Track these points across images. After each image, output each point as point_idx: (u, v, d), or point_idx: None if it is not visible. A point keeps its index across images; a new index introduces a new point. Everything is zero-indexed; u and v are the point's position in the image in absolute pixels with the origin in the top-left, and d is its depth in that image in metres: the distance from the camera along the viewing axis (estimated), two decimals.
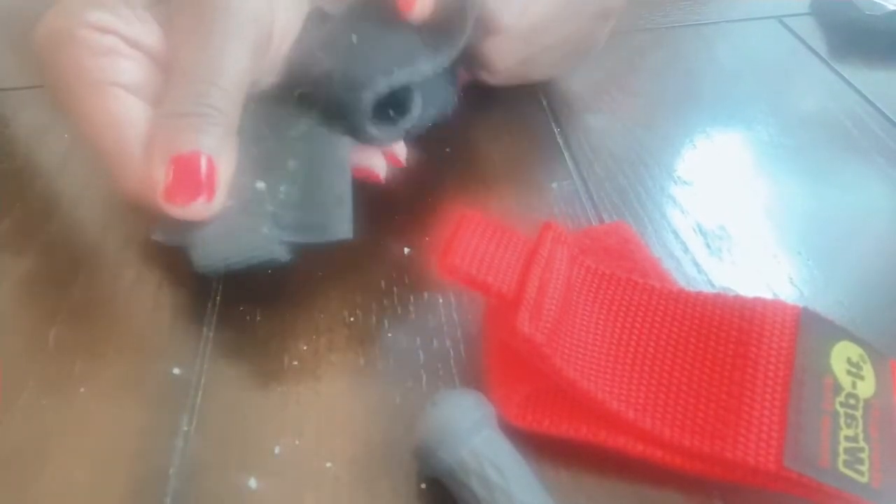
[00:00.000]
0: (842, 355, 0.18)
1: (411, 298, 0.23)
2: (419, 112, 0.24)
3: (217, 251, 0.21)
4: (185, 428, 0.20)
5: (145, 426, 0.20)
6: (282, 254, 0.21)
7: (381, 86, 0.22)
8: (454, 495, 0.17)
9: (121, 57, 0.21)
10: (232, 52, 0.21)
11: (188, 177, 0.20)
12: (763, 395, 0.17)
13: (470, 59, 0.26)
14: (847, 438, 0.16)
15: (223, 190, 0.21)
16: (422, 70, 0.23)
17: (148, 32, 0.22)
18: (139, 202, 0.21)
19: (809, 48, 0.35)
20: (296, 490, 0.18)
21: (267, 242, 0.21)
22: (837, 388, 0.17)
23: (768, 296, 0.22)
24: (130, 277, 0.25)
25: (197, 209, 0.20)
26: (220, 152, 0.21)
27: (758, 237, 0.25)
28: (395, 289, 0.24)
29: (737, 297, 0.20)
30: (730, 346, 0.18)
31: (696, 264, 0.24)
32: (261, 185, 0.22)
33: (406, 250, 0.25)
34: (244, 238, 0.21)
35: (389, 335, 0.22)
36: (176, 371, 0.21)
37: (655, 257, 0.23)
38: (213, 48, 0.21)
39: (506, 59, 0.27)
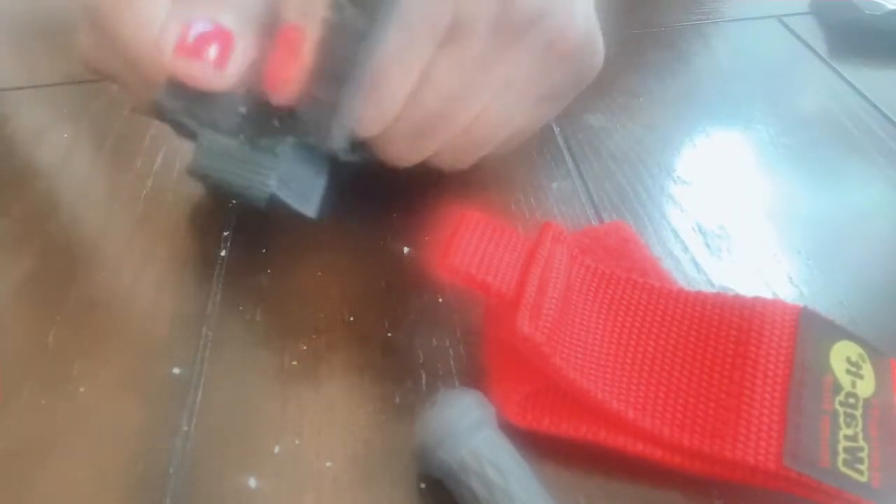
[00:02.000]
0: (841, 354, 0.18)
1: (411, 298, 0.23)
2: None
3: (217, 160, 0.20)
4: (185, 428, 0.20)
5: (145, 426, 0.20)
6: (266, 191, 0.20)
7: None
8: (454, 495, 0.17)
9: None
10: None
11: (201, 38, 0.19)
12: (762, 394, 0.17)
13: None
14: (846, 438, 0.16)
15: (236, 69, 0.19)
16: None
17: None
18: (152, 76, 0.20)
19: (809, 48, 0.35)
20: (296, 490, 0.18)
21: (259, 173, 0.20)
22: (837, 388, 0.17)
23: (768, 295, 0.22)
24: (130, 277, 0.25)
25: (206, 72, 0.19)
26: (238, 30, 0.19)
27: (757, 237, 0.25)
28: (395, 289, 0.24)
29: (736, 297, 0.20)
30: (729, 346, 0.19)
31: (696, 264, 0.24)
32: (276, 122, 0.21)
33: (406, 250, 0.25)
34: (246, 166, 0.20)
35: (389, 335, 0.22)
36: (176, 371, 0.21)
37: (655, 257, 0.23)
38: None
39: (403, 156, 0.22)
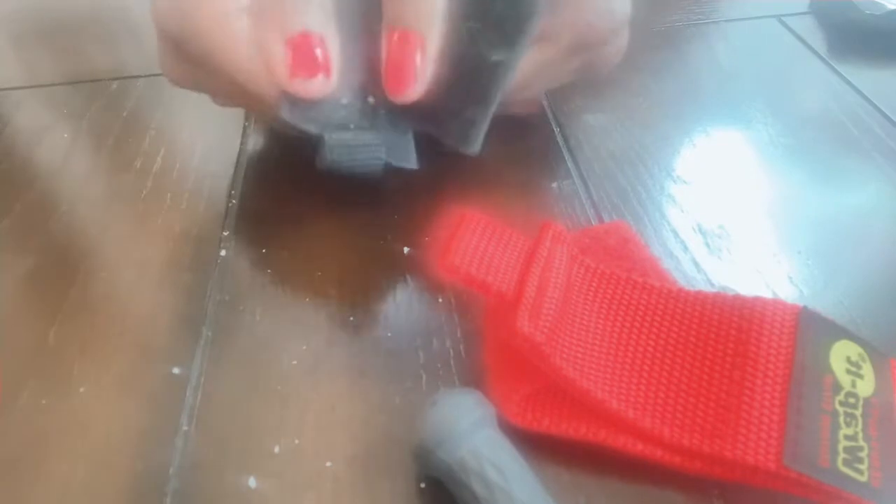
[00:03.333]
0: (841, 354, 0.18)
1: (411, 298, 0.23)
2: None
3: (343, 155, 0.23)
4: (185, 428, 0.20)
5: (145, 426, 0.20)
6: (380, 166, 0.23)
7: None
8: (454, 495, 0.17)
9: None
10: None
11: (305, 52, 0.21)
12: (762, 394, 0.17)
13: None
14: (846, 437, 0.16)
15: (338, 71, 0.22)
16: None
17: None
18: (268, 96, 0.23)
19: (809, 48, 0.35)
20: (296, 490, 0.18)
21: (381, 159, 0.23)
22: (837, 387, 0.17)
23: (768, 295, 0.22)
24: (130, 277, 0.25)
25: (318, 85, 0.22)
26: (326, 31, 0.22)
27: (757, 236, 0.25)
28: (395, 289, 0.24)
29: (736, 297, 0.20)
30: (729, 345, 0.19)
31: (696, 263, 0.24)
32: (371, 99, 0.23)
33: (406, 250, 0.25)
34: (361, 149, 0.23)
35: (389, 335, 0.22)
36: (176, 371, 0.21)
37: (655, 256, 0.23)
38: None
39: None
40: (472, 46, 0.22)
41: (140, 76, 0.37)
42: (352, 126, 0.23)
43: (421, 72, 0.22)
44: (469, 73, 0.22)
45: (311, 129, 0.23)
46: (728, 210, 0.26)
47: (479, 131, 0.23)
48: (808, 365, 0.17)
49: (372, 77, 0.23)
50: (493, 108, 0.23)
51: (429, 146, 0.24)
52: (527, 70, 0.24)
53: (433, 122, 0.24)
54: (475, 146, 0.23)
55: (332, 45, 0.22)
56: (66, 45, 0.41)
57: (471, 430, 0.17)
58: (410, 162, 0.24)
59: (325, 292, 0.24)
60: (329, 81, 0.22)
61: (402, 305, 0.23)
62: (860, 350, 0.18)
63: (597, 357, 0.19)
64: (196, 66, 0.24)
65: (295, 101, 0.22)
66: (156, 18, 0.24)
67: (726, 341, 0.19)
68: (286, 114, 0.22)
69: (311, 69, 0.22)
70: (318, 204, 0.27)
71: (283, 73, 0.22)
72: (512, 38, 0.22)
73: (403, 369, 0.21)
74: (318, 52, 0.22)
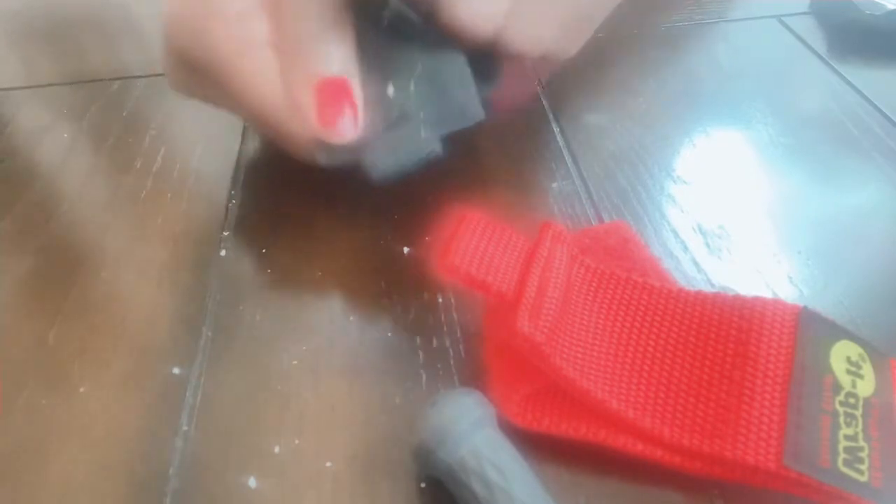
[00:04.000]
0: (841, 354, 0.18)
1: (411, 298, 0.23)
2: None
3: (388, 164, 0.23)
4: (185, 428, 0.20)
5: (145, 426, 0.20)
6: (437, 149, 0.23)
7: None
8: (454, 495, 0.17)
9: (253, 17, 0.22)
10: None
11: (332, 101, 0.22)
12: (762, 394, 0.17)
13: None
14: (847, 437, 0.16)
15: (362, 105, 0.23)
16: None
17: None
18: (301, 143, 0.23)
19: (809, 48, 0.35)
20: (296, 490, 0.18)
21: (426, 143, 0.23)
22: (837, 387, 0.17)
23: (768, 295, 0.22)
24: (130, 277, 0.25)
25: (348, 131, 0.22)
26: (348, 70, 0.22)
27: (757, 236, 0.25)
28: (395, 289, 0.24)
29: (736, 297, 0.20)
30: (729, 346, 0.18)
31: (696, 263, 0.24)
32: (391, 90, 0.23)
33: (406, 250, 0.25)
34: (408, 145, 0.23)
35: (389, 335, 0.22)
36: (176, 371, 0.21)
37: (655, 257, 0.23)
38: None
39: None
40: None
41: (140, 76, 0.37)
42: (382, 129, 0.23)
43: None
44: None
45: (349, 162, 0.23)
46: (728, 210, 0.26)
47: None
48: (809, 365, 0.17)
49: (382, 63, 0.23)
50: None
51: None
52: None
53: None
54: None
55: (356, 84, 0.23)
56: (66, 45, 0.41)
57: (471, 430, 0.17)
58: (471, 115, 0.23)
59: (325, 292, 0.24)
60: (357, 123, 0.22)
61: (401, 305, 0.23)
62: (860, 350, 0.18)
63: (597, 357, 0.19)
64: (211, 87, 0.24)
65: (329, 147, 0.23)
66: (168, 34, 0.24)
67: (726, 341, 0.19)
68: (322, 160, 0.23)
69: (340, 117, 0.22)
70: (318, 204, 0.27)
71: (313, 123, 0.22)
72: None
73: (403, 369, 0.21)
74: (345, 97, 0.22)
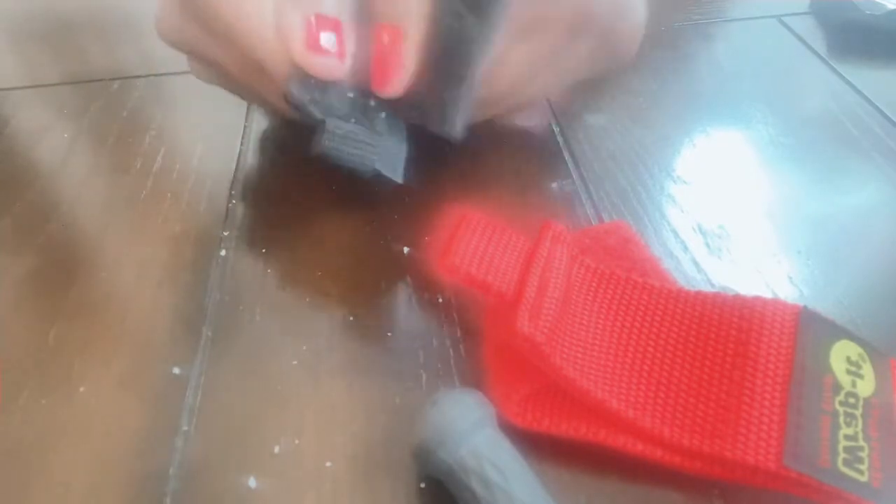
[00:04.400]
0: (841, 354, 0.18)
1: (411, 298, 0.23)
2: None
3: (339, 145, 0.23)
4: (185, 428, 0.20)
5: (145, 426, 0.20)
6: (370, 169, 0.23)
7: None
8: (454, 495, 0.17)
9: None
10: None
11: (322, 31, 0.22)
12: (762, 394, 0.17)
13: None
14: (847, 437, 0.16)
15: (350, 57, 0.22)
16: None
17: None
18: (277, 69, 0.22)
19: (809, 48, 0.35)
20: (296, 489, 0.18)
21: (370, 159, 0.23)
22: (837, 387, 0.17)
23: (768, 295, 0.22)
24: (130, 277, 0.25)
25: (331, 65, 0.22)
26: (342, 17, 0.22)
27: (757, 236, 0.25)
28: (395, 289, 0.24)
29: (736, 297, 0.20)
30: (729, 346, 0.18)
31: (696, 263, 0.24)
32: (373, 102, 0.23)
33: (406, 250, 0.25)
34: (357, 145, 0.23)
35: (389, 335, 0.22)
36: (176, 371, 0.21)
37: (655, 256, 0.23)
38: None
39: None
40: (447, 23, 0.22)
41: (140, 76, 0.37)
42: (353, 121, 0.23)
43: (407, 64, 0.22)
44: (444, 52, 0.22)
45: (315, 111, 0.23)
46: (728, 210, 0.26)
47: (457, 111, 0.23)
48: (809, 365, 0.17)
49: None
50: (469, 88, 0.22)
51: (427, 150, 0.24)
52: (526, 62, 0.23)
53: (419, 111, 0.23)
54: (454, 129, 0.23)
55: (348, 32, 0.22)
56: (66, 45, 0.41)
57: (471, 430, 0.17)
58: (397, 175, 0.24)
59: (325, 292, 0.24)
60: (341, 65, 0.22)
61: (401, 305, 0.23)
62: (860, 350, 0.18)
63: (597, 357, 0.19)
64: (202, 29, 0.24)
65: (305, 80, 0.22)
66: None
67: (726, 341, 0.19)
68: (294, 90, 0.22)
69: (325, 48, 0.22)
70: (318, 204, 0.27)
71: (299, 46, 0.22)
72: (481, 4, 0.21)
73: (403, 369, 0.21)
74: (334, 34, 0.22)
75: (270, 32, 0.22)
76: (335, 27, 0.22)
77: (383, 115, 0.24)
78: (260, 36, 0.22)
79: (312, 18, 0.22)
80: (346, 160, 0.23)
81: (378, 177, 0.23)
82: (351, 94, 0.23)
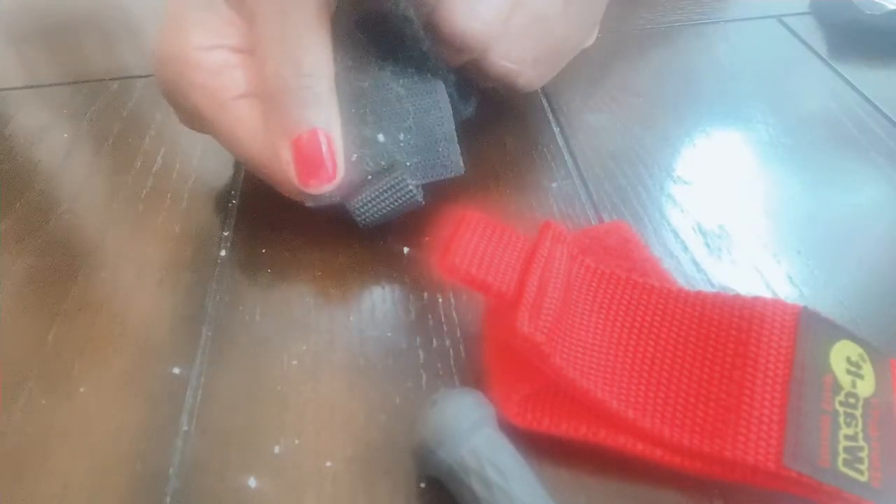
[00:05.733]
0: (841, 354, 0.18)
1: (411, 298, 0.23)
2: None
3: (373, 212, 0.24)
4: (185, 428, 0.20)
5: (145, 426, 0.20)
6: (420, 199, 0.24)
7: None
8: (454, 495, 0.17)
9: (233, 68, 0.23)
10: (312, 25, 0.22)
11: (311, 157, 0.22)
12: (762, 394, 0.17)
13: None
14: (846, 437, 0.16)
15: (342, 159, 0.23)
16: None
17: (237, 31, 0.23)
18: (286, 189, 0.24)
19: (809, 48, 0.35)
20: (296, 490, 0.18)
21: (412, 192, 0.24)
22: (837, 388, 0.17)
23: (768, 295, 0.22)
24: (130, 277, 0.25)
25: (325, 184, 0.23)
26: (329, 123, 0.23)
27: (757, 237, 0.25)
28: (394, 289, 0.24)
29: (736, 297, 0.20)
30: (729, 346, 0.18)
31: (696, 263, 0.24)
32: (381, 137, 0.24)
33: (406, 250, 0.25)
34: (394, 193, 0.24)
35: (389, 335, 0.22)
36: (176, 371, 0.21)
37: (655, 256, 0.23)
38: (292, 27, 0.22)
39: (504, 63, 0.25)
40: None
41: (140, 76, 0.37)
42: (370, 177, 0.24)
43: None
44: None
45: (335, 201, 0.24)
46: (728, 210, 0.26)
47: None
48: (808, 365, 0.17)
49: (372, 107, 0.24)
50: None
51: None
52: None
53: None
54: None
55: (336, 135, 0.23)
56: (66, 45, 0.41)
57: (471, 430, 0.17)
58: (452, 168, 0.24)
59: (326, 292, 0.24)
60: (337, 175, 0.23)
61: (402, 305, 0.23)
62: (860, 350, 0.18)
63: (597, 357, 0.19)
64: (199, 126, 0.25)
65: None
66: (155, 75, 0.24)
67: (726, 341, 0.19)
68: (309, 203, 0.24)
69: (317, 174, 0.23)
70: None
71: (294, 182, 0.23)
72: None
73: (403, 369, 0.21)
74: (325, 150, 0.22)
75: (267, 156, 0.23)
76: (325, 142, 0.22)
77: (402, 135, 0.24)
78: (260, 162, 0.23)
79: (298, 144, 0.22)
80: (394, 213, 0.24)
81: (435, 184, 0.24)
82: (354, 157, 0.24)
